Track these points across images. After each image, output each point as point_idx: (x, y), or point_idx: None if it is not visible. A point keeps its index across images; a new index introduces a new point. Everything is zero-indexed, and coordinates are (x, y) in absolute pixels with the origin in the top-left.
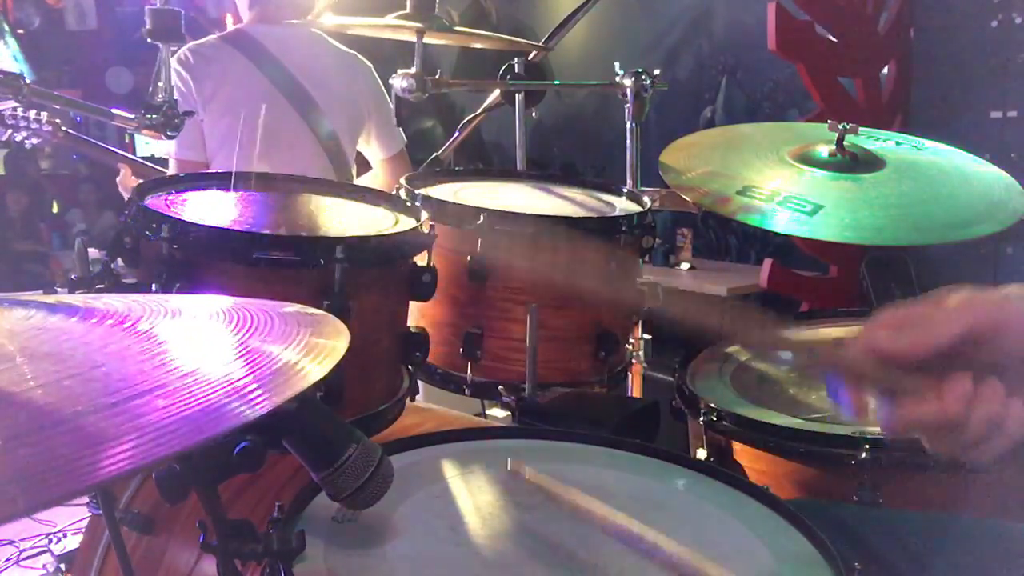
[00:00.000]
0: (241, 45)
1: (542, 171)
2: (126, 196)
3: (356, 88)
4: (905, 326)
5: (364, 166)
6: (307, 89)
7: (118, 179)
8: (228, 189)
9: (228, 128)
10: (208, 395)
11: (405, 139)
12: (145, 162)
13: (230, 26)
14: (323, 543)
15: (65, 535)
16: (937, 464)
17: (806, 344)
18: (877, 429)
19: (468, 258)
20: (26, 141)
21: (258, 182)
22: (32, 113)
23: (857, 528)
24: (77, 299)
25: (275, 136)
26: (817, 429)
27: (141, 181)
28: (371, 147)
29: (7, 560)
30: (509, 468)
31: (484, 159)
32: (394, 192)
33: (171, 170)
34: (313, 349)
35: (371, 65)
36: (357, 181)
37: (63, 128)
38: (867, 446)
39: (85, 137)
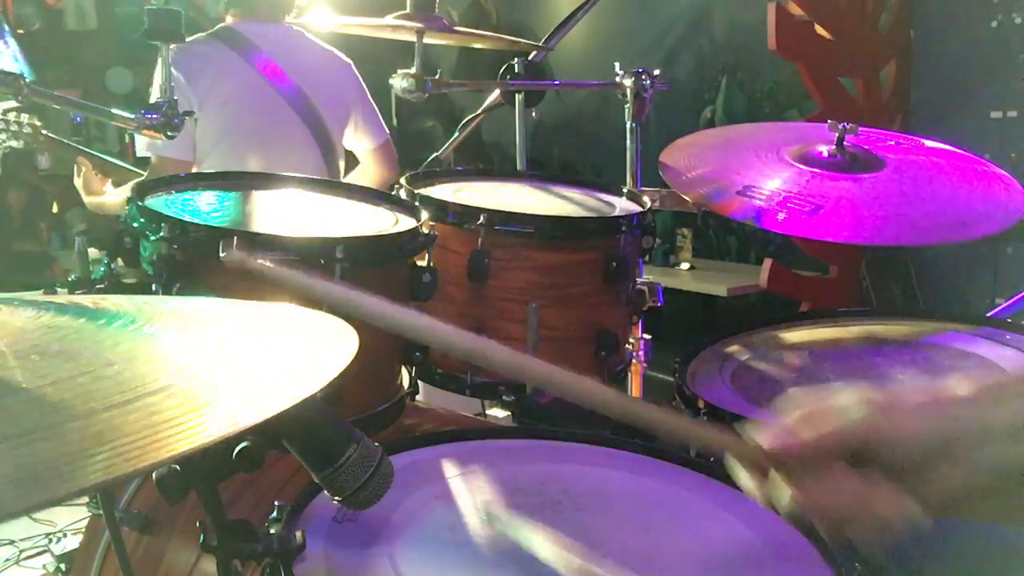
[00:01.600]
0: (231, 41)
1: (542, 171)
2: (84, 195)
3: (341, 82)
4: (800, 427)
5: (351, 163)
6: (298, 84)
7: (78, 175)
8: (228, 189)
9: (223, 124)
10: (218, 395)
11: (388, 131)
12: (113, 160)
13: None
14: (323, 543)
15: (65, 535)
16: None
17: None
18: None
19: (468, 258)
20: (6, 144)
21: (258, 182)
22: (12, 115)
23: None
24: (87, 300)
25: (270, 131)
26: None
27: (109, 180)
28: (358, 138)
29: (7, 560)
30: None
31: (484, 159)
32: (394, 192)
33: (152, 168)
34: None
35: (351, 61)
36: (347, 177)
37: (43, 132)
38: None
39: (65, 141)
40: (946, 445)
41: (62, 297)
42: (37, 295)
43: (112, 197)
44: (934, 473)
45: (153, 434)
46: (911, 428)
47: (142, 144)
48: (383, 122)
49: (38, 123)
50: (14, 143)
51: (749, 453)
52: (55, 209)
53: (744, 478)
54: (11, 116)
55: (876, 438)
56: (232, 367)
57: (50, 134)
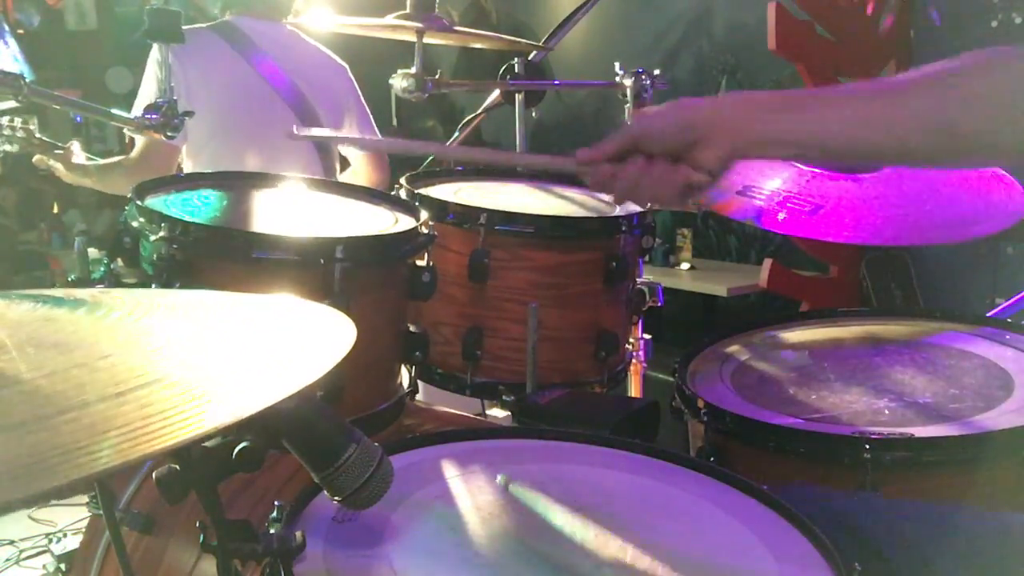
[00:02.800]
0: (229, 36)
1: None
2: (63, 169)
3: (337, 84)
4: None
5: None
6: (295, 82)
7: (52, 163)
8: (228, 188)
9: (216, 118)
10: (213, 387)
11: (380, 135)
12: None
13: None
14: (323, 543)
15: (65, 535)
16: (939, 462)
17: (804, 345)
18: (878, 429)
19: (468, 258)
20: (0, 149)
21: (258, 181)
22: (5, 120)
23: (855, 519)
24: (84, 293)
25: (266, 128)
26: (817, 429)
27: (84, 155)
28: None
29: (7, 560)
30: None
31: None
32: (394, 192)
33: (137, 151)
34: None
35: (346, 65)
36: (340, 178)
37: (37, 136)
38: (867, 446)
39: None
40: (694, 132)
41: (59, 290)
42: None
43: (95, 166)
44: (697, 152)
45: (147, 426)
46: (662, 124)
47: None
48: (376, 128)
49: (32, 127)
50: (8, 147)
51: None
52: (55, 209)
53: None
54: (4, 120)
55: (642, 133)
56: (228, 359)
57: (44, 137)
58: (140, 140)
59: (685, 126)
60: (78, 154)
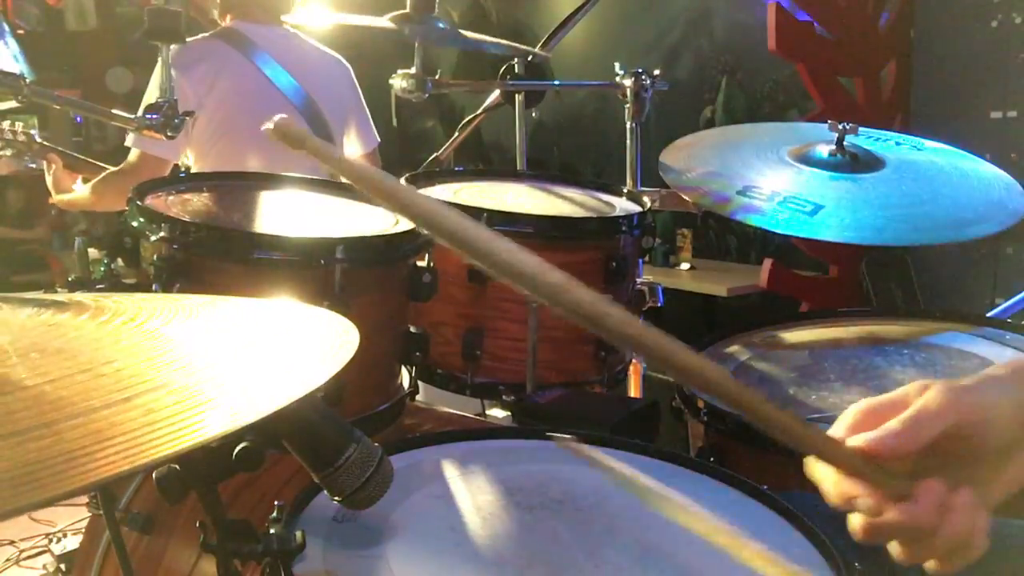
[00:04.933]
0: (232, 40)
1: (542, 171)
2: (53, 192)
3: (340, 84)
4: (886, 422)
5: None
6: (300, 85)
7: (49, 173)
8: (228, 189)
9: (222, 122)
10: (217, 392)
11: (378, 139)
12: (82, 156)
13: None
14: (323, 543)
15: (65, 535)
16: None
17: (804, 345)
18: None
19: None
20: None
21: (258, 181)
22: (6, 124)
23: None
24: (87, 297)
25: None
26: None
27: (79, 176)
28: (350, 143)
29: (7, 560)
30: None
31: (484, 159)
32: None
33: (130, 163)
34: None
35: (349, 65)
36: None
37: (36, 140)
38: None
39: (59, 148)
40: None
41: (63, 295)
42: (37, 295)
43: (81, 192)
44: (1012, 461)
45: (152, 432)
46: (998, 406)
47: (130, 137)
48: (375, 130)
49: (32, 131)
50: (7, 152)
51: (840, 454)
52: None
53: (825, 479)
54: (4, 125)
55: (965, 423)
56: (232, 365)
57: (44, 142)
58: (132, 153)
59: (1019, 413)
60: (80, 188)
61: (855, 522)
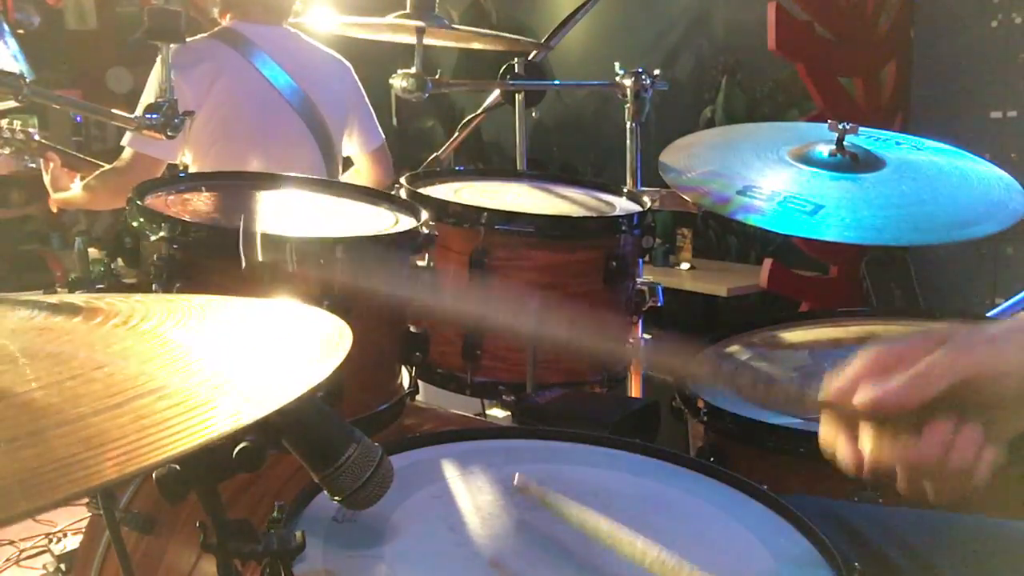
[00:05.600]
0: (231, 41)
1: (542, 171)
2: (51, 191)
3: (341, 84)
4: (895, 371)
5: (345, 165)
6: (299, 85)
7: (46, 172)
8: (228, 188)
9: (222, 122)
10: (210, 396)
11: (383, 136)
12: (79, 155)
13: None
14: (323, 543)
15: (65, 535)
16: None
17: (804, 345)
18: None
19: (468, 258)
20: None
21: (258, 181)
22: (4, 123)
23: (857, 526)
24: (80, 299)
25: (270, 130)
26: (817, 429)
27: (77, 175)
28: (354, 142)
29: (7, 560)
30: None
31: (484, 159)
32: (394, 192)
33: (124, 161)
34: (316, 349)
35: (350, 64)
36: (342, 178)
37: (36, 138)
38: None
39: (57, 147)
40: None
41: (55, 297)
42: (37, 295)
43: (76, 191)
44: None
45: (143, 438)
46: (1008, 358)
47: (126, 136)
48: (379, 127)
49: (31, 130)
50: (6, 150)
51: (842, 409)
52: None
53: (830, 435)
54: (3, 123)
55: (982, 383)
56: (226, 367)
57: (42, 140)
58: (125, 152)
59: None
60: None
61: (865, 461)
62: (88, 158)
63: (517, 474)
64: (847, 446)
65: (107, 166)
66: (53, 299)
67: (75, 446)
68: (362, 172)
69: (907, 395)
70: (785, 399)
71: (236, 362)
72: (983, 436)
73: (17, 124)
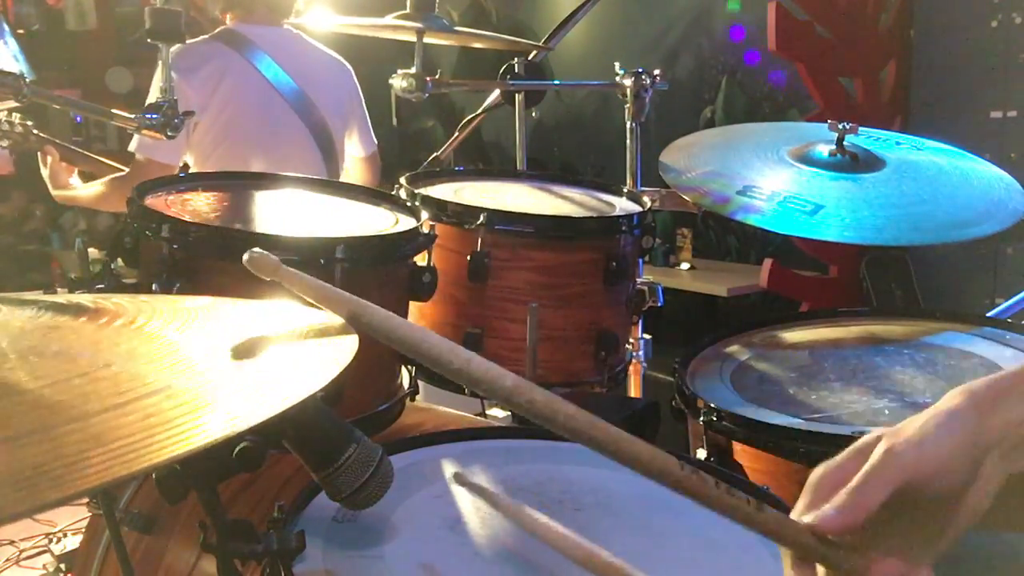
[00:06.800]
0: (234, 43)
1: (542, 171)
2: (51, 187)
3: (341, 86)
4: (835, 494)
5: None
6: (301, 87)
7: (44, 166)
8: (228, 189)
9: (225, 126)
10: (216, 396)
11: (376, 142)
12: (86, 152)
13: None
14: (323, 543)
15: (65, 535)
16: None
17: (804, 345)
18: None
19: (468, 258)
20: None
21: (259, 182)
22: (2, 116)
23: None
24: (87, 299)
25: (271, 133)
26: (817, 429)
27: (76, 170)
28: (351, 145)
29: (7, 560)
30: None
31: (484, 159)
32: (394, 192)
33: (135, 166)
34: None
35: (351, 68)
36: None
37: (34, 132)
38: None
39: (56, 141)
40: (977, 459)
41: (62, 297)
42: (37, 295)
43: (84, 191)
44: (966, 501)
45: (150, 436)
46: (948, 456)
47: (134, 141)
48: (373, 133)
49: (29, 123)
50: (3, 143)
51: (796, 536)
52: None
53: (798, 569)
54: (1, 116)
55: (913, 480)
56: (231, 367)
57: (41, 134)
58: (137, 157)
59: (972, 452)
60: (82, 186)
61: None
62: (86, 152)
63: (456, 471)
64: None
65: (104, 160)
66: (60, 299)
67: (83, 443)
68: (352, 175)
69: (850, 513)
70: (737, 512)
71: (240, 364)
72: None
73: (16, 117)
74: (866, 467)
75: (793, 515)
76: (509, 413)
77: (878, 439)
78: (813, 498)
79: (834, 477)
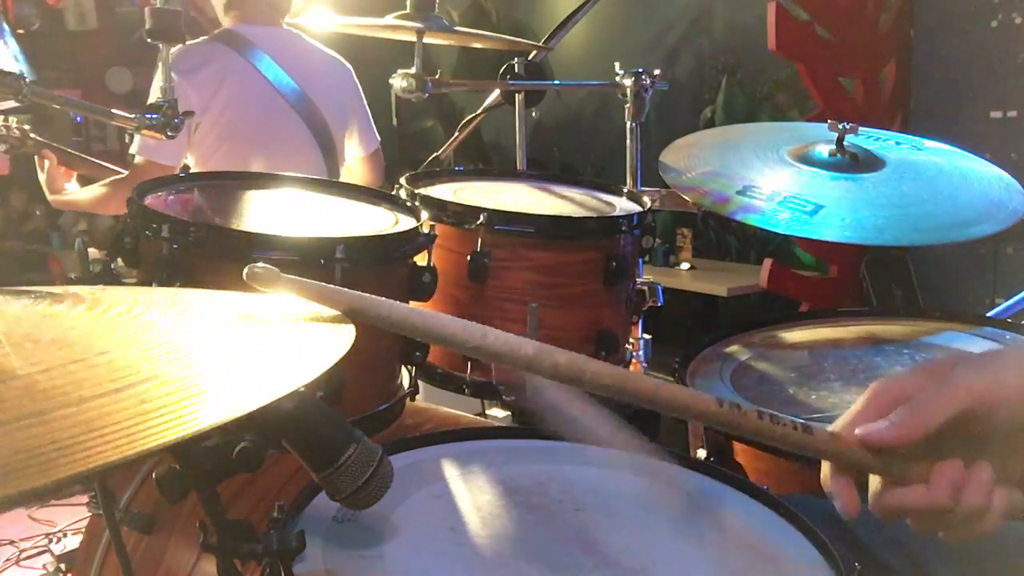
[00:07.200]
0: (234, 44)
1: (542, 171)
2: (48, 192)
3: (342, 86)
4: (896, 407)
5: None
6: (302, 87)
7: (42, 171)
8: (228, 188)
9: (226, 127)
10: (211, 383)
11: (379, 138)
12: (84, 155)
13: None
14: (323, 543)
15: (65, 535)
16: None
17: (804, 345)
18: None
19: (468, 258)
20: None
21: (259, 181)
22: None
23: (855, 529)
24: (85, 290)
25: (272, 133)
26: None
27: (74, 174)
28: (352, 145)
29: (7, 560)
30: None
31: (484, 159)
32: (394, 192)
33: (136, 168)
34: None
35: (351, 67)
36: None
37: (32, 135)
38: None
39: (54, 145)
40: None
41: (59, 288)
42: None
43: (81, 194)
44: None
45: (143, 422)
46: (1013, 386)
47: (135, 143)
48: (375, 130)
49: (27, 127)
50: (0, 147)
51: (847, 452)
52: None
53: (836, 479)
54: None
55: (984, 414)
56: (226, 357)
57: (38, 137)
58: (137, 159)
59: None
60: (79, 190)
61: (875, 505)
62: (85, 156)
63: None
64: (847, 490)
65: (104, 164)
66: (57, 289)
67: (76, 428)
68: (355, 174)
69: (908, 429)
70: (786, 439)
71: (236, 353)
72: (993, 476)
73: (13, 120)
74: (932, 387)
75: (841, 422)
76: (509, 413)
77: (946, 361)
78: (867, 409)
79: (893, 392)
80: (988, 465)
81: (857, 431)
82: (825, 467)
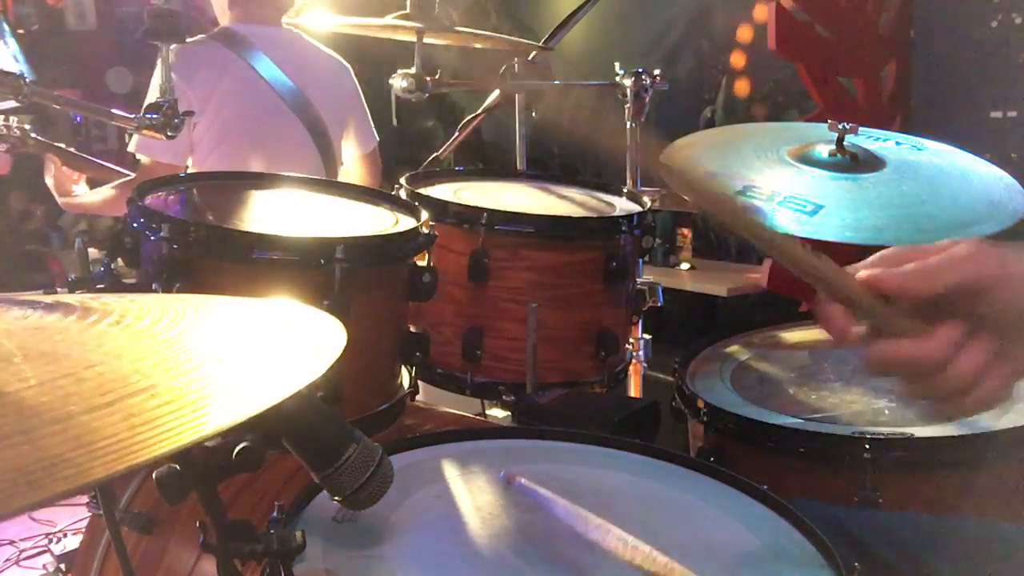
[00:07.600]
0: (231, 43)
1: (542, 171)
2: (56, 194)
3: (340, 85)
4: (908, 264)
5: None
6: (299, 86)
7: (48, 174)
8: (228, 189)
9: (223, 126)
10: (202, 394)
11: (378, 137)
12: (88, 156)
13: None
14: (323, 543)
15: (65, 535)
16: (938, 463)
17: (804, 345)
18: (878, 429)
19: (468, 258)
20: None
21: (259, 182)
22: (0, 119)
23: (856, 530)
24: (75, 299)
25: (269, 133)
26: (817, 429)
27: (77, 175)
28: (349, 144)
29: (7, 560)
30: (503, 476)
31: (484, 159)
32: (394, 192)
33: (143, 170)
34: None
35: (349, 65)
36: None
37: (32, 135)
38: (867, 446)
39: (55, 144)
40: None
41: (51, 297)
42: (36, 295)
43: (90, 197)
44: None
45: (132, 436)
46: (1019, 264)
47: (134, 143)
48: (374, 129)
49: (27, 127)
50: (1, 147)
51: (851, 286)
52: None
53: (830, 305)
54: None
55: (991, 289)
56: (219, 366)
57: (39, 137)
58: (143, 160)
59: None
60: (88, 192)
61: (868, 352)
62: (88, 157)
63: (504, 471)
64: (840, 315)
65: (108, 165)
66: (48, 299)
67: (65, 444)
68: (352, 173)
69: (914, 281)
70: (794, 254)
71: (228, 361)
72: (995, 347)
73: (14, 120)
74: (946, 251)
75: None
76: (509, 413)
77: (955, 241)
78: (877, 263)
79: (904, 254)
80: (993, 336)
81: (862, 272)
82: (821, 296)
